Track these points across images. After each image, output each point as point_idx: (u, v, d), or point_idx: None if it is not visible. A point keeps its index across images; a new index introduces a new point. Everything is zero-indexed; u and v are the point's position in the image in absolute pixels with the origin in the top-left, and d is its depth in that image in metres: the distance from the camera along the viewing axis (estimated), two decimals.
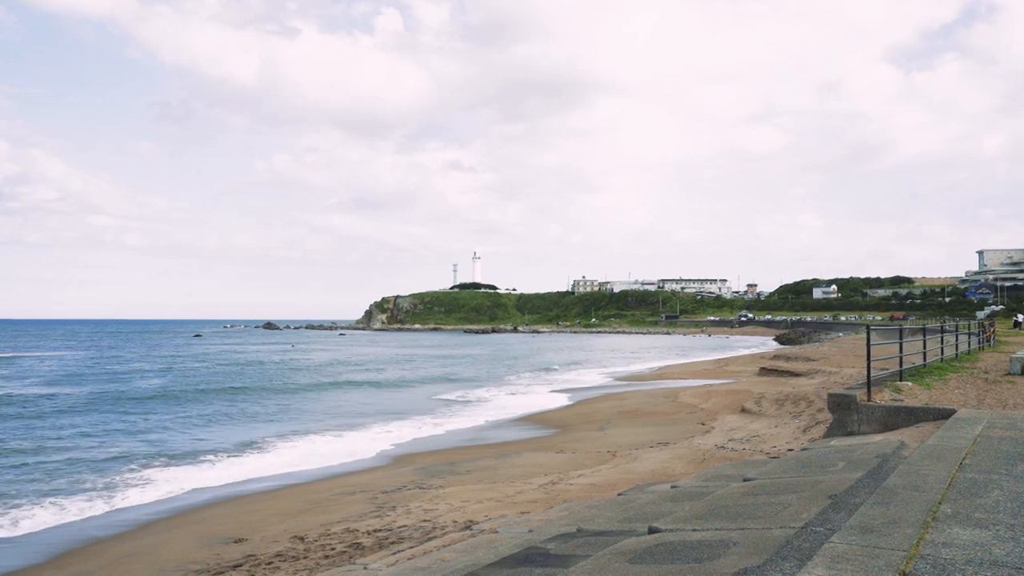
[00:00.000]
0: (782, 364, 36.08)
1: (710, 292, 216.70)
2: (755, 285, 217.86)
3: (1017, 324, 51.42)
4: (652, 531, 5.39)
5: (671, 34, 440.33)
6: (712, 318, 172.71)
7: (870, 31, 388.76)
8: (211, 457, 18.49)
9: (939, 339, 17.98)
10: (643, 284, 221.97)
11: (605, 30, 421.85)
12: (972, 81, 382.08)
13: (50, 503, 13.77)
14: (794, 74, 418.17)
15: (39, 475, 16.37)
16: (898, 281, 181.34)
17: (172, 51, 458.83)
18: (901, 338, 13.01)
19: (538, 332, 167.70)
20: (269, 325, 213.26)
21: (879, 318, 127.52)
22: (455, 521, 10.34)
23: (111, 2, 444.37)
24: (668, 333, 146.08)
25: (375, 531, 10.34)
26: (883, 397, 10.26)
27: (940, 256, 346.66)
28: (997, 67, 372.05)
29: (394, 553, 8.51)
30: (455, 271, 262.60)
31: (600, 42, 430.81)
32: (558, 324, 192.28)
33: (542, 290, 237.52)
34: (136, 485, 15.29)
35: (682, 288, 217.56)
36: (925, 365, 14.50)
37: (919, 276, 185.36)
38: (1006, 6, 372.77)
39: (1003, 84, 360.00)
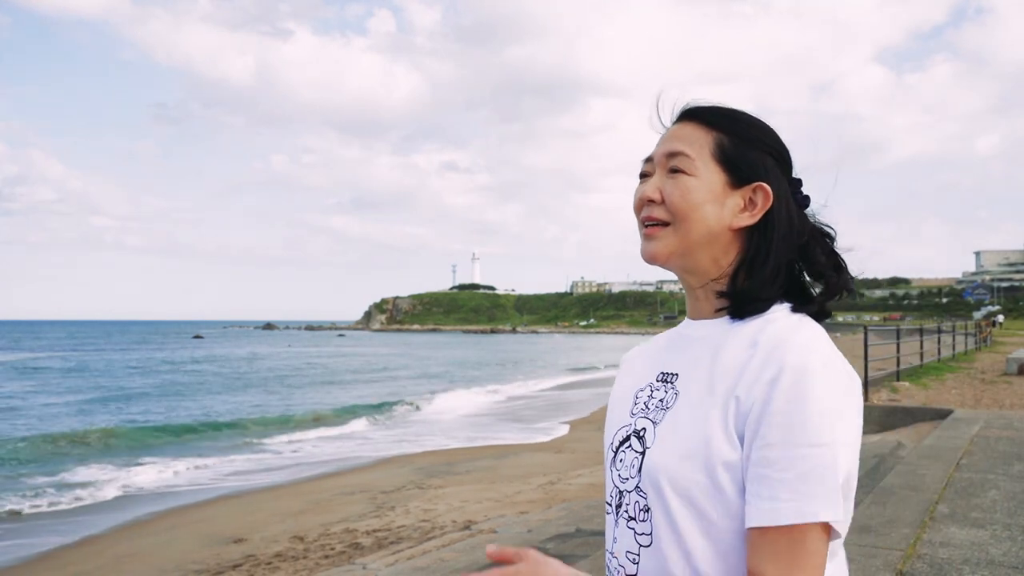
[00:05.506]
0: None
1: None
2: None
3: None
4: None
5: (664, 36, 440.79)
6: None
7: (861, 32, 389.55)
8: (209, 458, 18.49)
9: (936, 339, 18.02)
10: (641, 285, 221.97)
11: (598, 32, 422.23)
12: (965, 82, 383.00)
13: (47, 502, 13.76)
14: (787, 75, 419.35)
15: (31, 473, 16.36)
16: (895, 282, 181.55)
17: (167, 52, 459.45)
18: (898, 338, 13.04)
19: (537, 333, 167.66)
20: (269, 326, 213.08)
21: (876, 318, 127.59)
22: (454, 521, 10.36)
23: (104, 4, 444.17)
24: None
25: (374, 531, 10.36)
26: (880, 397, 10.29)
27: (937, 257, 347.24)
28: (989, 68, 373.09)
29: (393, 553, 8.53)
30: (454, 272, 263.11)
31: (593, 44, 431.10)
32: (557, 325, 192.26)
33: (541, 291, 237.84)
34: (132, 485, 15.29)
35: (680, 289, 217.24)
36: (922, 365, 14.54)
37: (916, 277, 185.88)
38: (994, 7, 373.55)
39: (996, 85, 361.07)
